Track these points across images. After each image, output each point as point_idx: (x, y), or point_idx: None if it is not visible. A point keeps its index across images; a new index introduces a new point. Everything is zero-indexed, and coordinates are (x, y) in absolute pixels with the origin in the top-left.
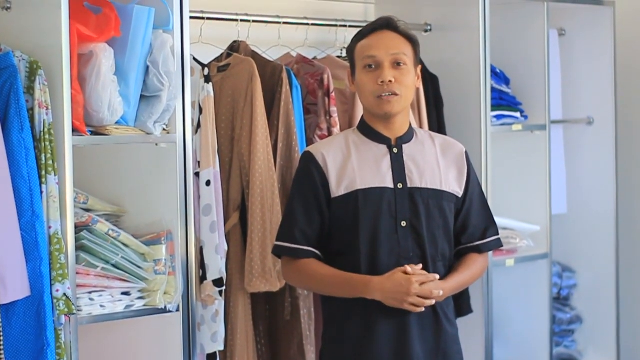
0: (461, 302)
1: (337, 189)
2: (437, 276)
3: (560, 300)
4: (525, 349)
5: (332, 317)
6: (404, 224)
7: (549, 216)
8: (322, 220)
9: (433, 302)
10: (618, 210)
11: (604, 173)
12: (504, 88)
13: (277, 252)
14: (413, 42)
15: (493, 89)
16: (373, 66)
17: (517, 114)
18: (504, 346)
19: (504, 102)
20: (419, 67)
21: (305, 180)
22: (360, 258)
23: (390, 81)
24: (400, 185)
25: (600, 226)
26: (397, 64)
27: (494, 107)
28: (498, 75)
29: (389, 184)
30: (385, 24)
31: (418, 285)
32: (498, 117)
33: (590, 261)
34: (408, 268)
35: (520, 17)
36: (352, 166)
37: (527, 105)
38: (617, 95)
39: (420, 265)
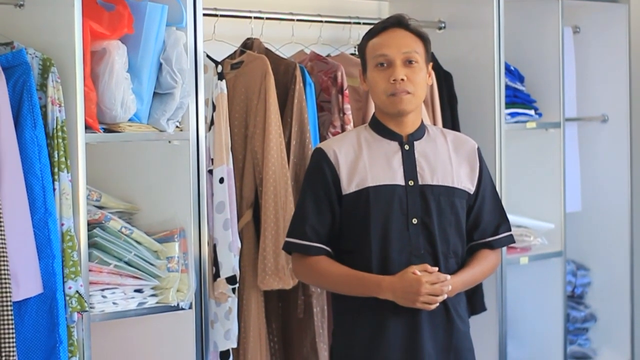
0: (475, 300)
1: (348, 186)
2: (449, 277)
3: (574, 298)
4: (539, 347)
5: (342, 314)
6: (415, 221)
7: (563, 214)
8: (333, 217)
9: (445, 297)
10: (633, 208)
11: (619, 171)
12: (518, 85)
13: (288, 248)
14: (424, 40)
15: (507, 87)
16: (385, 64)
17: (532, 112)
18: (518, 344)
19: (518, 99)
20: (430, 65)
21: (317, 177)
22: (371, 255)
23: (402, 79)
24: (411, 182)
25: (615, 224)
26: (408, 62)
27: (508, 104)
28: (512, 73)
29: (400, 181)
30: (396, 22)
31: (429, 285)
32: (512, 114)
33: (604, 259)
34: (417, 271)
35: (534, 15)
36: (364, 163)
37: (542, 102)
38: (632, 93)
39: (436, 269)
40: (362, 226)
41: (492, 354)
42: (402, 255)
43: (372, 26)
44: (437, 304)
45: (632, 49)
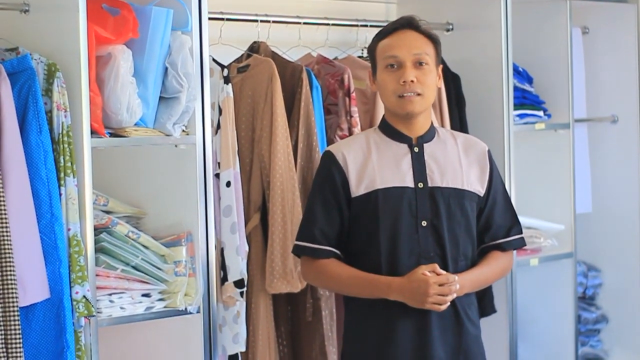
0: (484, 302)
1: (357, 189)
2: (457, 277)
3: (585, 299)
4: (550, 349)
5: (353, 317)
6: (424, 223)
7: (573, 215)
8: (342, 220)
9: (454, 296)
10: None
11: (629, 171)
12: (526, 87)
13: (297, 251)
14: (435, 42)
15: (516, 88)
16: (395, 66)
17: (540, 113)
18: (529, 346)
19: (527, 100)
20: (440, 67)
21: (326, 180)
22: (381, 258)
23: (412, 81)
24: (420, 185)
25: (626, 225)
26: (419, 64)
27: (517, 106)
28: (521, 74)
29: (410, 183)
30: (407, 23)
31: (437, 286)
32: (521, 116)
33: (615, 260)
34: (427, 272)
35: (542, 15)
36: (373, 165)
37: (551, 103)
38: None
39: (444, 272)
40: (371, 228)
41: (502, 356)
42: (411, 258)
43: (380, 29)
44: (447, 305)
45: None
